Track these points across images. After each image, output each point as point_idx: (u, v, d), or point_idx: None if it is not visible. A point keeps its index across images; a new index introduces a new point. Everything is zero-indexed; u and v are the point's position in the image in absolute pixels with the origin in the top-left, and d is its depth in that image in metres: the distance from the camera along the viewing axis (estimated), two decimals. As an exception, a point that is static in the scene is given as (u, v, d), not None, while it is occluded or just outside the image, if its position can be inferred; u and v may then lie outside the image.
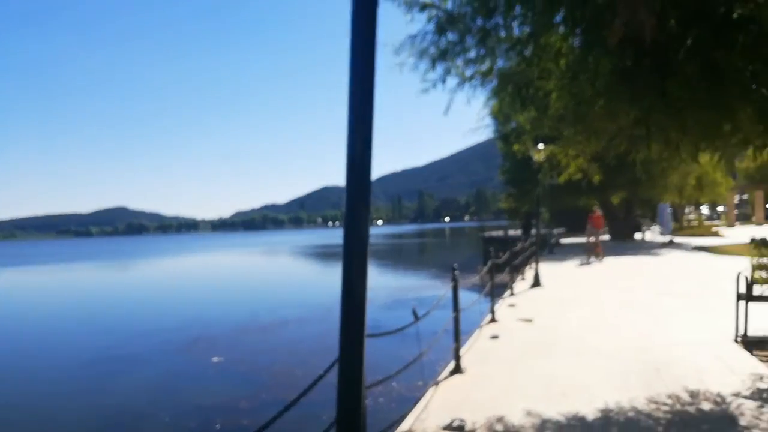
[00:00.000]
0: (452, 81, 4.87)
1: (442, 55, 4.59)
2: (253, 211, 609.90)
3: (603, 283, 12.91)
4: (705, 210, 53.22)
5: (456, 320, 5.70)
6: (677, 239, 27.41)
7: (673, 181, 30.10)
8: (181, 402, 8.32)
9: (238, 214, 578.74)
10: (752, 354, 5.93)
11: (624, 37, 3.40)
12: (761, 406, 4.34)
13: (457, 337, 5.67)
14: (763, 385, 4.84)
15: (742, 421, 4.08)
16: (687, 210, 43.59)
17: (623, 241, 30.14)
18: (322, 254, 52.70)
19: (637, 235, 32.38)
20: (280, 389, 8.42)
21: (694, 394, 4.72)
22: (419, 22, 4.43)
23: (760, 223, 36.02)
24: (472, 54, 4.42)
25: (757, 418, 4.14)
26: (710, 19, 3.59)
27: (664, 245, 25.09)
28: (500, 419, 4.26)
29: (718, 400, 4.55)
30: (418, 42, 4.39)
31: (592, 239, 19.20)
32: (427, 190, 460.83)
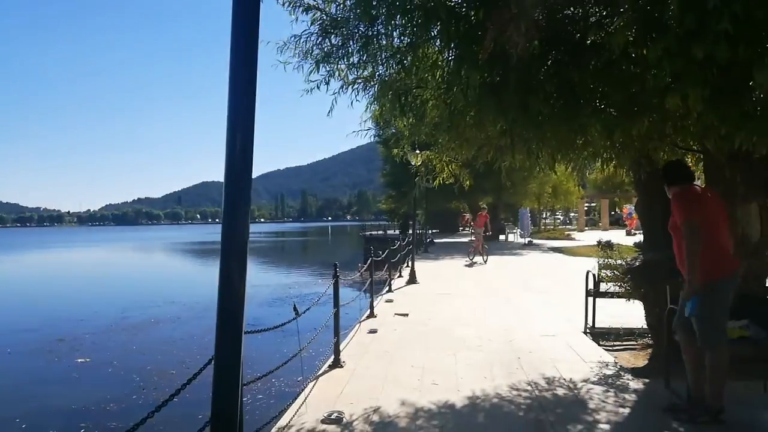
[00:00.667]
0: (335, 84, 4.98)
1: (326, 58, 4.67)
2: (125, 204, 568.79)
3: (472, 279, 13.75)
4: (559, 215, 58.55)
5: (336, 316, 5.81)
6: (536, 241, 29.80)
7: (533, 188, 32.93)
8: (40, 407, 7.62)
9: (108, 207, 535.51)
10: (599, 344, 6.66)
11: (493, 53, 3.70)
12: (606, 391, 4.90)
13: (337, 332, 5.78)
14: (608, 372, 5.46)
15: (591, 405, 4.59)
16: (544, 215, 47.85)
17: (489, 242, 32.13)
18: (202, 251, 50.45)
19: (501, 237, 34.73)
20: (154, 391, 8.02)
21: (550, 381, 5.22)
22: (303, 23, 4.46)
23: (605, 228, 40.30)
24: (355, 59, 4.55)
25: (604, 401, 4.68)
26: (568, 42, 4.01)
27: (524, 246, 27.19)
28: (376, 410, 4.42)
29: (571, 385, 5.08)
30: (302, 43, 4.43)
31: (474, 238, 19.93)
32: (310, 190, 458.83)
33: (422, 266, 16.78)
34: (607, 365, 5.71)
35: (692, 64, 2.93)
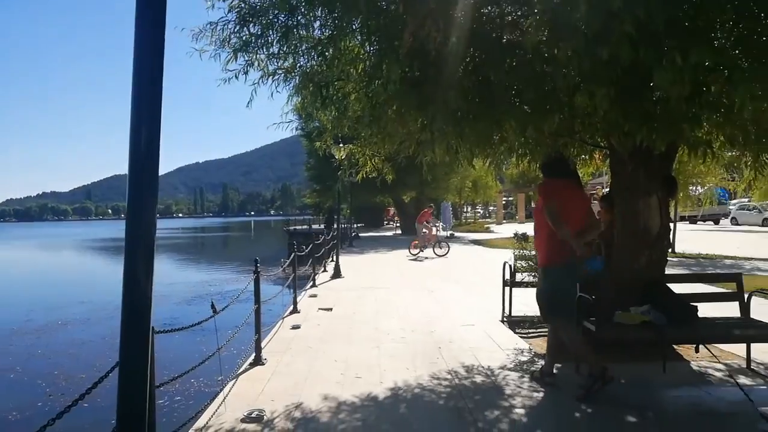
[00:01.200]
0: (255, 74, 4.85)
1: (245, 47, 4.54)
2: (28, 199, 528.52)
3: (396, 272, 13.92)
4: (479, 209, 60.55)
5: (257, 312, 5.69)
6: (457, 234, 30.62)
7: (454, 183, 33.80)
8: None
9: (9, 203, 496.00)
10: (515, 332, 6.93)
11: (413, 48, 3.74)
12: (522, 377, 5.11)
13: (258, 329, 5.67)
14: (523, 358, 5.69)
15: (507, 390, 4.76)
16: (465, 208, 49.23)
17: (413, 235, 32.64)
18: (114, 248, 47.85)
19: (425, 231, 35.38)
20: (62, 397, 7.52)
21: (469, 369, 5.37)
22: (220, 10, 4.31)
23: (521, 221, 42.09)
24: (275, 49, 4.45)
25: (519, 386, 4.87)
26: (486, 40, 4.12)
27: (446, 239, 27.82)
28: (298, 406, 4.38)
29: (488, 372, 5.25)
30: (219, 30, 4.28)
31: (424, 231, 20.10)
32: (231, 184, 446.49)
33: (347, 260, 16.81)
34: (522, 352, 5.95)
35: (599, 65, 3.09)
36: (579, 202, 4.72)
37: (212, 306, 4.19)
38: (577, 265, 4.70)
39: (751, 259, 15.05)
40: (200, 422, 4.08)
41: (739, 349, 5.34)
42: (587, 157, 6.95)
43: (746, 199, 34.06)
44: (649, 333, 4.76)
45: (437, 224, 20.45)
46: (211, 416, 4.18)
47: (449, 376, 5.14)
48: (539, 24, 3.26)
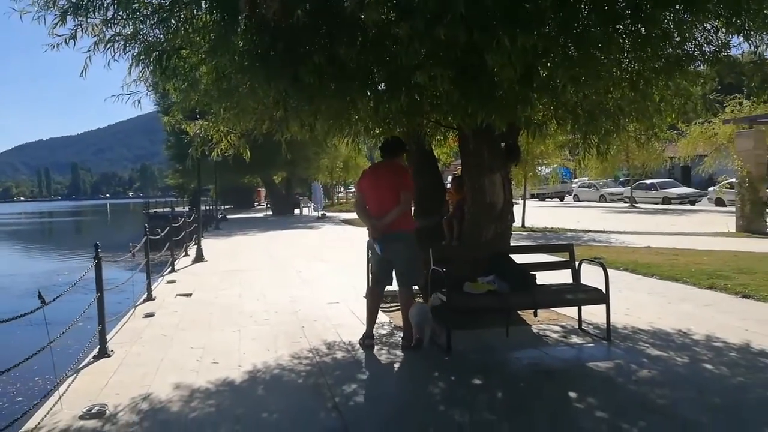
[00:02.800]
0: (89, 40, 4.41)
1: (75, 10, 4.11)
2: None
3: (263, 253, 13.67)
4: (351, 189, 61.27)
5: (99, 301, 5.27)
6: (329, 214, 30.77)
7: (325, 163, 33.78)
8: None
9: None
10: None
11: (261, 20, 3.61)
12: (381, 349, 5.26)
13: (102, 318, 5.25)
14: (383, 331, 5.85)
15: (365, 364, 4.89)
16: (338, 189, 49.50)
17: (284, 216, 32.33)
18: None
19: (297, 211, 35.20)
20: None
21: (330, 346, 5.42)
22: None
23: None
24: (110, 13, 4.07)
25: (377, 359, 5.02)
26: (336, 16, 4.09)
27: (318, 219, 27.87)
28: (147, 397, 4.13)
29: (349, 348, 5.34)
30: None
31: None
32: (83, 163, 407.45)
33: (212, 244, 16.18)
34: (383, 326, 6.13)
35: (438, 45, 3.21)
36: (388, 181, 5.10)
37: (39, 296, 3.79)
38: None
39: (588, 231, 16.82)
40: (31, 423, 3.70)
41: (573, 311, 5.94)
42: (442, 137, 7.26)
43: (585, 178, 37.98)
44: (494, 300, 5.12)
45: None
46: (45, 415, 3.81)
47: (311, 355, 5.16)
48: (380, 1, 3.30)
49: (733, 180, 18.18)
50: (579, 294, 5.39)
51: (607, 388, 4.19)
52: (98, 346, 5.23)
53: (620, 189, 34.56)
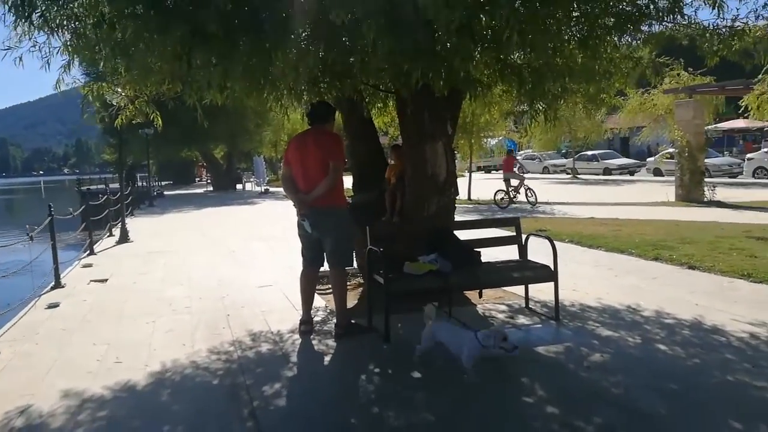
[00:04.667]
0: None
1: None
2: None
3: (197, 232, 12.83)
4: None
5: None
6: (272, 189, 29.71)
7: (268, 136, 32.52)
8: None
9: None
10: (315, 290, 6.54)
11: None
12: (313, 338, 4.73)
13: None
14: (317, 317, 5.30)
15: (293, 357, 4.35)
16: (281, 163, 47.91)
17: (225, 192, 31.13)
18: None
19: (239, 187, 33.96)
20: None
21: (256, 337, 4.85)
22: None
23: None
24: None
25: (307, 350, 4.50)
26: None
27: (260, 195, 26.89)
28: (25, 410, 3.46)
29: (277, 338, 4.78)
30: None
31: (513, 181, 16.60)
32: (12, 139, 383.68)
33: (142, 222, 15.19)
34: (318, 310, 5.59)
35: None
36: (316, 151, 4.56)
37: None
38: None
39: (533, 203, 16.74)
40: None
41: (519, 289, 5.58)
42: (382, 105, 6.69)
43: (529, 150, 38.31)
44: (436, 281, 4.66)
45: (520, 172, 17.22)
46: None
47: (232, 348, 4.57)
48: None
49: (672, 150, 18.45)
50: (526, 272, 5.01)
51: (557, 376, 3.82)
52: (-23, 348, 4.48)
53: (563, 161, 35.04)
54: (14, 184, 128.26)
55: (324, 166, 4.51)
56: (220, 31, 3.43)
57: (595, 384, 3.64)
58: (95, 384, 3.87)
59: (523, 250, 5.41)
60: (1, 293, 6.95)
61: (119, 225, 11.76)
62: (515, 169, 17.11)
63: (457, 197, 6.05)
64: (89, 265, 8.67)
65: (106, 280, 7.48)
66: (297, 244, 5.04)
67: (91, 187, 38.92)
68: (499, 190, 16.52)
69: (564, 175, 32.61)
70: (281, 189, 29.86)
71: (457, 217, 6.08)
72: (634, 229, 10.13)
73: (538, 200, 16.09)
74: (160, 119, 5.49)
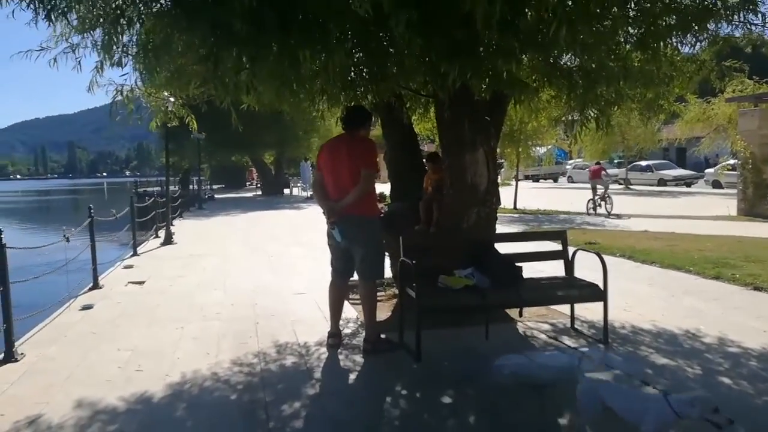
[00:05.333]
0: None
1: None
2: None
3: (240, 237, 12.84)
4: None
5: (4, 294, 4.46)
6: (317, 195, 29.77)
7: (315, 143, 32.70)
8: None
9: None
10: (348, 299, 6.31)
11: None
12: (340, 353, 4.50)
13: (8, 314, 4.47)
14: (347, 330, 5.07)
15: (317, 373, 4.11)
16: None
17: (273, 196, 31.46)
18: None
19: (286, 191, 34.29)
20: None
21: (281, 349, 4.65)
22: None
23: (384, 181, 42.42)
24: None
25: (333, 366, 4.26)
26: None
27: (306, 200, 27.00)
28: (35, 420, 3.35)
29: (303, 351, 4.57)
30: None
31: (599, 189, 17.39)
32: (79, 142, 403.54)
33: (189, 225, 15.44)
34: (348, 322, 5.36)
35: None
36: (348, 158, 4.33)
37: None
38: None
39: (582, 213, 16.05)
40: None
41: (565, 306, 5.18)
42: (423, 110, 6.43)
43: (580, 159, 37.12)
44: (472, 298, 4.34)
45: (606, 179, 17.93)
46: None
47: (255, 360, 4.39)
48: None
49: (734, 161, 17.34)
50: (572, 290, 4.62)
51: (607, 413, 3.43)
52: (4, 349, 4.44)
53: (615, 170, 33.60)
54: (80, 185, 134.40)
55: (356, 173, 4.28)
56: (245, 29, 3.24)
57: (647, 421, 3.24)
58: (111, 394, 3.74)
59: (569, 265, 5.02)
60: (45, 291, 7.05)
61: (173, 227, 11.89)
62: (602, 177, 17.49)
63: (501, 206, 5.71)
64: (130, 267, 8.74)
65: (144, 282, 7.48)
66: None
67: (147, 189, 40.30)
68: (590, 200, 17.00)
69: (616, 186, 31.32)
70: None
71: (501, 228, 5.75)
72: (693, 245, 9.46)
73: (612, 212, 16.16)
74: (195, 122, 5.41)
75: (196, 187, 27.38)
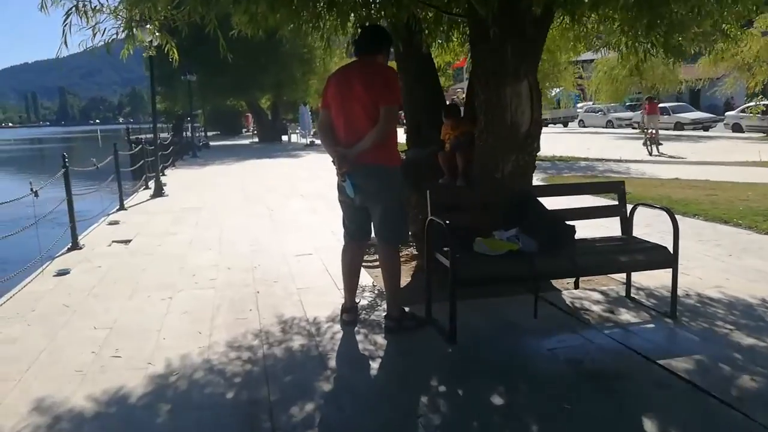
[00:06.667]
0: None
1: None
2: None
3: (236, 187, 11.98)
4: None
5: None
6: (318, 141, 28.61)
7: (314, 85, 31.28)
8: None
9: None
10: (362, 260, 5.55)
11: None
12: (357, 332, 3.77)
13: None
14: (364, 301, 4.33)
15: (331, 362, 3.34)
16: None
17: (271, 143, 30.37)
18: None
19: (284, 138, 33.12)
20: None
21: (287, 327, 3.89)
22: None
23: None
24: None
25: (349, 350, 3.54)
26: None
27: (306, 147, 25.97)
28: (-23, 436, 2.63)
29: (314, 330, 3.82)
30: None
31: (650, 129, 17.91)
32: (70, 88, 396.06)
33: (181, 175, 14.57)
34: (363, 291, 4.60)
35: None
36: (363, 91, 3.42)
37: None
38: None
39: (602, 159, 15.16)
40: None
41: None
42: (444, 38, 5.46)
43: (590, 102, 35.78)
44: (518, 266, 3.55)
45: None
46: None
47: (256, 342, 3.64)
48: None
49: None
50: (637, 255, 3.82)
51: (698, 412, 2.70)
52: (-48, 332, 3.69)
53: (629, 114, 32.37)
54: (73, 132, 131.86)
55: (373, 111, 3.41)
56: None
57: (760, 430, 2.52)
58: (80, 391, 3.00)
59: (627, 223, 4.21)
60: (19, 252, 6.30)
61: (164, 176, 11.03)
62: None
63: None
64: (115, 223, 7.93)
65: (130, 241, 6.70)
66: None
67: (140, 137, 39.08)
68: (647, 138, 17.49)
69: (630, 130, 30.18)
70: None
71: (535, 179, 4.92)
72: (733, 194, 8.66)
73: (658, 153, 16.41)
74: (176, 52, 4.47)
75: (189, 134, 26.25)
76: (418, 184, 4.44)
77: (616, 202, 4.39)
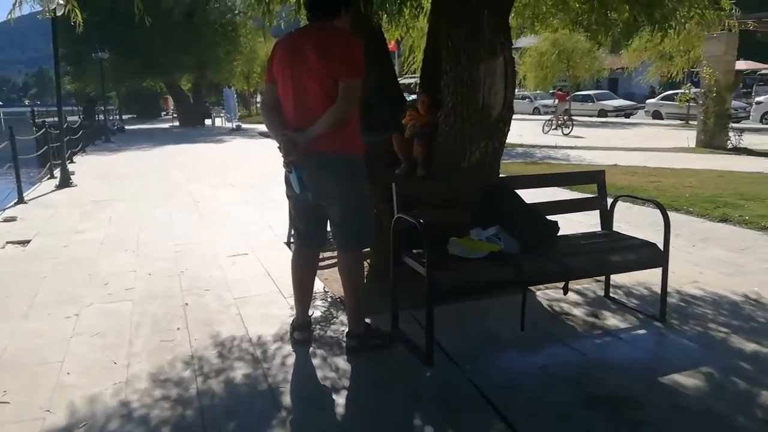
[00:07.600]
0: None
1: None
2: None
3: (155, 176, 10.87)
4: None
5: None
6: (245, 126, 27.28)
7: (239, 67, 29.79)
8: None
9: None
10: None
11: None
12: (314, 353, 3.15)
13: None
14: (316, 312, 3.69)
15: (286, 396, 2.73)
16: (256, 97, 44.02)
17: (193, 128, 28.73)
18: None
19: (207, 122, 31.46)
20: None
21: (226, 350, 3.21)
22: None
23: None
24: None
25: (302, 378, 2.92)
26: None
27: (231, 132, 24.68)
28: None
29: (259, 354, 3.14)
30: None
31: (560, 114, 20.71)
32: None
33: (93, 161, 13.21)
34: (315, 297, 3.94)
35: None
36: (318, 61, 2.78)
37: None
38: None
39: (538, 146, 15.13)
40: None
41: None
42: (396, 9, 4.88)
43: (518, 89, 36.36)
44: (503, 271, 3.04)
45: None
46: None
47: (188, 374, 2.93)
48: None
49: (695, 90, 16.76)
50: (628, 255, 3.41)
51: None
52: None
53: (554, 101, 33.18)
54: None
55: (330, 87, 2.77)
56: None
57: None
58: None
59: (607, 217, 3.82)
60: None
61: (71, 164, 9.78)
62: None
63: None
64: (12, 219, 6.78)
65: (28, 242, 5.68)
66: (277, 194, 3.36)
67: (46, 120, 35.96)
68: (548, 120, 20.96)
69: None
70: (258, 125, 27.57)
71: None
72: (676, 180, 8.67)
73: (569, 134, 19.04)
74: (80, 14, 3.62)
75: (102, 117, 24.24)
76: (371, 174, 3.84)
77: (591, 195, 3.99)
